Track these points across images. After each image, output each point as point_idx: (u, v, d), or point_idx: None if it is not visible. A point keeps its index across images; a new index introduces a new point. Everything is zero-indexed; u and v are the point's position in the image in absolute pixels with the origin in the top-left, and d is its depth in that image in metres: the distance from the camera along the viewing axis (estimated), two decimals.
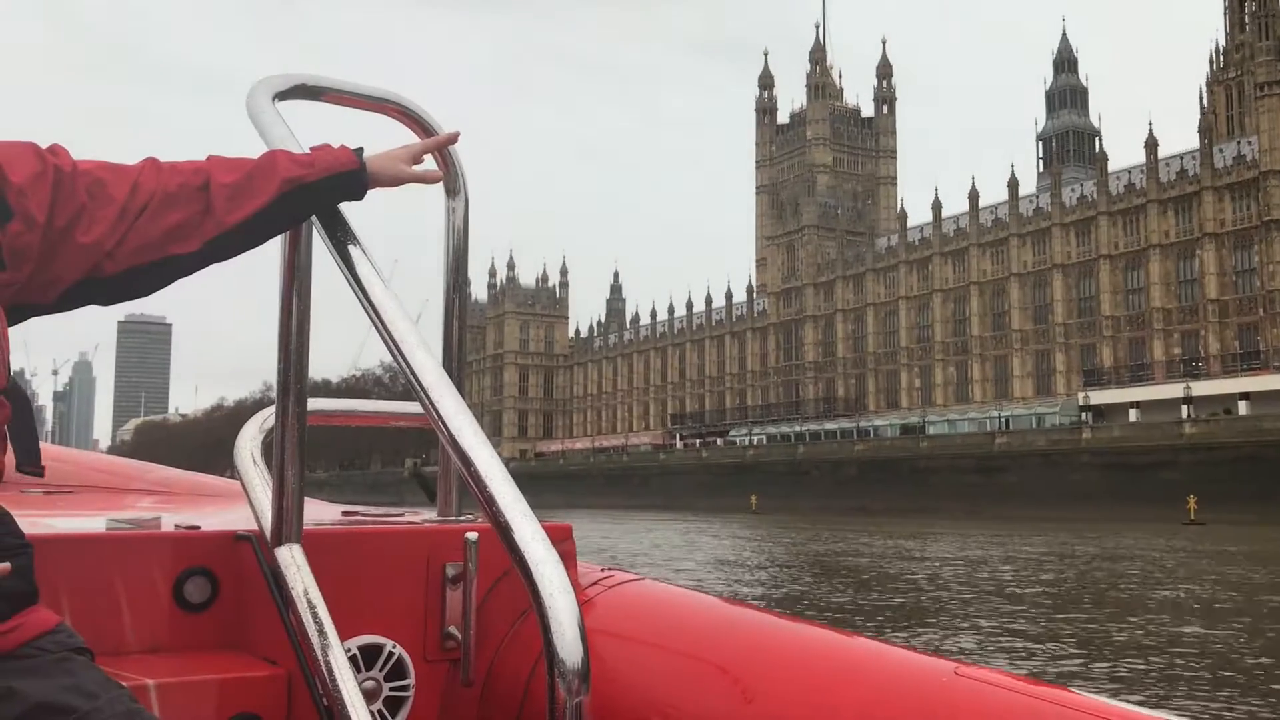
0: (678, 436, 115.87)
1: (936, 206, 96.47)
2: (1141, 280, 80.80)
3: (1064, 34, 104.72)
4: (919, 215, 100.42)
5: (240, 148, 1.62)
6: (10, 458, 1.48)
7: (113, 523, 1.88)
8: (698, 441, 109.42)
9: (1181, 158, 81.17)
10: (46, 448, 2.95)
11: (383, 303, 1.50)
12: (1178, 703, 11.24)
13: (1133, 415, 72.76)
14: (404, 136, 1.86)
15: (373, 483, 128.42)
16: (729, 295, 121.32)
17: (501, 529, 1.23)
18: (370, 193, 1.65)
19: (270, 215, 1.55)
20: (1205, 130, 78.94)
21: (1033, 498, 67.99)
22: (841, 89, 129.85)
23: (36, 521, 1.64)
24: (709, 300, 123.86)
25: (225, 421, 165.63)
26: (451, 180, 1.95)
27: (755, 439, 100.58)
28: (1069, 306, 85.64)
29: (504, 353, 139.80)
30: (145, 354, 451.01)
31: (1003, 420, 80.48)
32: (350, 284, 1.55)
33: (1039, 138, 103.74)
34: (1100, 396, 75.88)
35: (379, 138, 1.66)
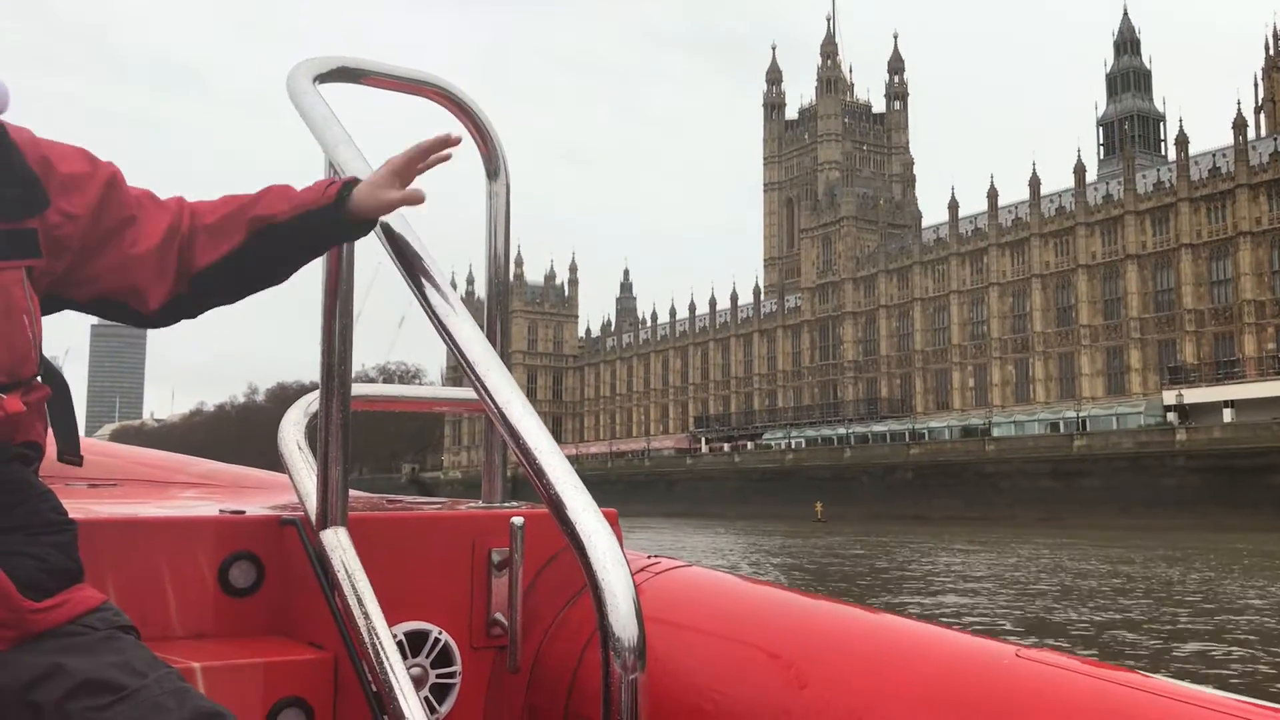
0: (703, 440, 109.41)
1: (992, 195, 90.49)
2: (1228, 271, 74.96)
3: (1125, 13, 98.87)
4: (942, 211, 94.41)
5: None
6: (52, 444, 1.48)
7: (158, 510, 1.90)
8: (726, 445, 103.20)
9: (1276, 139, 75.55)
10: (89, 442, 2.93)
11: (427, 281, 1.47)
12: None
13: (1227, 415, 67.07)
14: (445, 121, 1.88)
15: (366, 489, 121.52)
16: (757, 292, 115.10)
17: (553, 502, 1.20)
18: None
19: (243, 259, 1.49)
20: None
21: (1119, 504, 62.39)
22: (852, 84, 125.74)
23: (82, 509, 1.63)
24: (734, 297, 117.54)
25: (204, 427, 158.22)
26: (492, 163, 1.93)
27: (794, 442, 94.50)
28: (1144, 300, 79.65)
29: (511, 353, 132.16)
30: (119, 358, 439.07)
31: (1079, 421, 74.55)
32: (394, 262, 1.51)
33: (1099, 123, 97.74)
34: (1194, 395, 69.93)
35: (422, 121, 1.62)
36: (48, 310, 1.42)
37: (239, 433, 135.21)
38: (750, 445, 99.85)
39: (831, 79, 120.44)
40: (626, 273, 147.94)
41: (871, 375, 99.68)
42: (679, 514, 79.31)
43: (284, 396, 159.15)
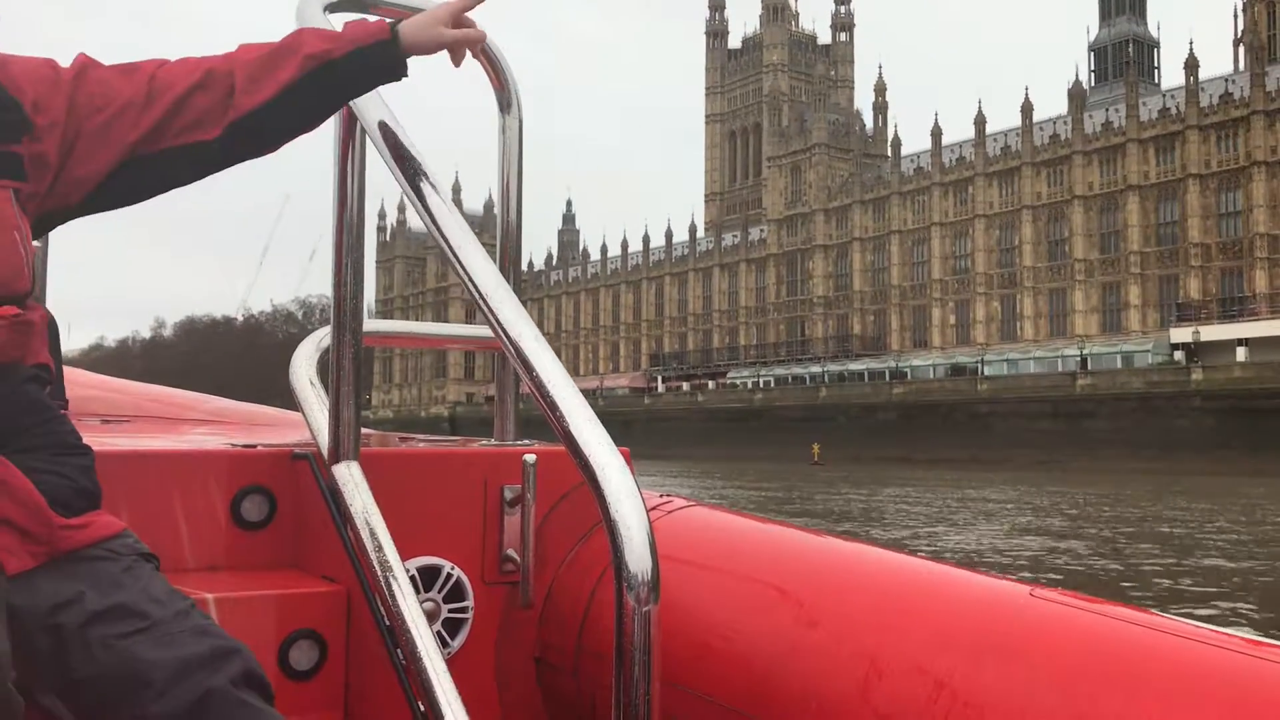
0: (659, 379, 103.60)
1: (980, 121, 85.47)
2: (1238, 203, 71.08)
3: None
4: (919, 142, 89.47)
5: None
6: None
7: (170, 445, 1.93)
8: (685, 384, 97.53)
9: None
10: (102, 379, 3.05)
11: (441, 214, 1.46)
12: None
13: (1240, 354, 63.45)
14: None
15: None
16: (717, 225, 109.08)
17: (567, 436, 1.19)
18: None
19: (294, 97, 1.47)
20: None
21: (1128, 447, 58.35)
22: (797, 13, 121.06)
23: (96, 442, 1.65)
24: (693, 229, 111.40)
25: (109, 362, 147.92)
26: (505, 97, 1.93)
27: (762, 381, 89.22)
28: (1145, 233, 75.58)
29: (448, 285, 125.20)
30: None
31: (1081, 359, 70.41)
32: (407, 194, 1.52)
33: (1091, 48, 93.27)
34: (1207, 333, 66.10)
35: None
36: (39, 232, 1.42)
37: (144, 368, 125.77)
38: (711, 385, 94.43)
39: (777, 6, 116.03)
40: (569, 204, 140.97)
41: (843, 312, 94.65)
42: (641, 456, 73.51)
43: (194, 330, 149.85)
